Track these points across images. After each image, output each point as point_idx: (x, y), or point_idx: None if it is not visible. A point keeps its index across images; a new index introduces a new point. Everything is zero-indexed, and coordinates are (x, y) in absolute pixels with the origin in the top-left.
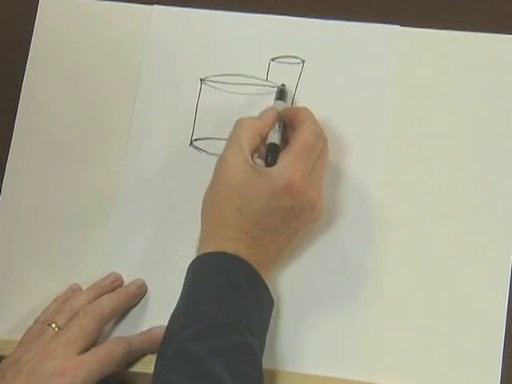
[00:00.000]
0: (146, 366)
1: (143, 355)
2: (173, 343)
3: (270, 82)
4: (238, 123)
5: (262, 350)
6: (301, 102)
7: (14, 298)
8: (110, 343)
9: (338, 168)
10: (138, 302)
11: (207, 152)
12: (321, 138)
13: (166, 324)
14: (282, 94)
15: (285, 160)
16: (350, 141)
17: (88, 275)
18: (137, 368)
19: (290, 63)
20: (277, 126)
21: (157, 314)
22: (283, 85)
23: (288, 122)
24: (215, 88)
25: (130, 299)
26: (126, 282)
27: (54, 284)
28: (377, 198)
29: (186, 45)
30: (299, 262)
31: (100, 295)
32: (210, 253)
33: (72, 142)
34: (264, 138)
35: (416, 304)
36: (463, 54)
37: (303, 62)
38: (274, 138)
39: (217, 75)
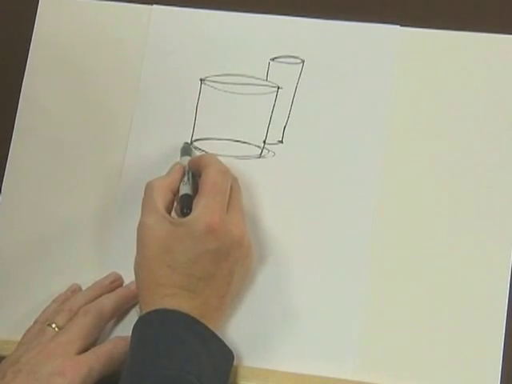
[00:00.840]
0: None
1: None
2: None
3: (269, 81)
4: (148, 186)
5: None
6: (301, 101)
7: (13, 298)
8: (110, 343)
9: (337, 168)
10: (138, 301)
11: (207, 152)
12: (227, 176)
13: None
14: (186, 150)
15: (199, 205)
16: (349, 141)
17: (88, 275)
18: None
19: (289, 63)
20: (185, 178)
21: None
22: (186, 143)
23: (194, 170)
24: (215, 88)
25: (129, 299)
26: (126, 281)
27: (54, 284)
28: (376, 198)
29: (186, 45)
30: (297, 261)
31: (100, 295)
32: (151, 311)
33: (72, 142)
34: (176, 194)
35: (416, 304)
36: (463, 54)
37: (303, 62)
38: (185, 189)
39: (217, 75)
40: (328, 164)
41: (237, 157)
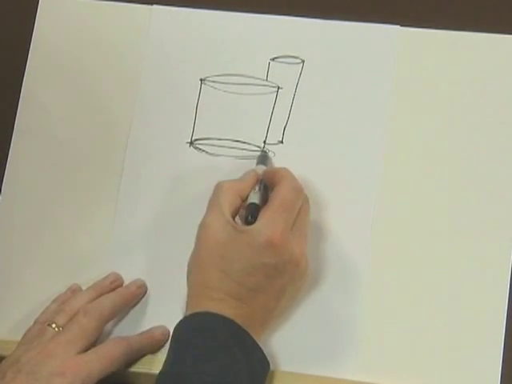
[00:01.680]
0: (146, 365)
1: (143, 355)
2: None
3: (269, 81)
4: (218, 187)
5: None
6: (301, 101)
7: (14, 298)
8: (110, 343)
9: (337, 168)
10: (138, 301)
11: (207, 152)
12: (300, 195)
13: (165, 324)
14: (263, 159)
15: (264, 217)
16: (349, 141)
17: (88, 275)
18: (137, 368)
19: (289, 63)
20: (257, 187)
21: (157, 314)
22: (264, 151)
23: (268, 182)
24: (215, 88)
25: (129, 299)
26: (126, 282)
27: (54, 284)
28: (377, 198)
29: (186, 45)
30: None
31: (100, 295)
32: (195, 314)
33: (72, 142)
34: (244, 200)
35: (416, 304)
36: (463, 53)
37: (303, 61)
38: (254, 198)
39: (217, 75)
40: (328, 164)
41: (237, 157)
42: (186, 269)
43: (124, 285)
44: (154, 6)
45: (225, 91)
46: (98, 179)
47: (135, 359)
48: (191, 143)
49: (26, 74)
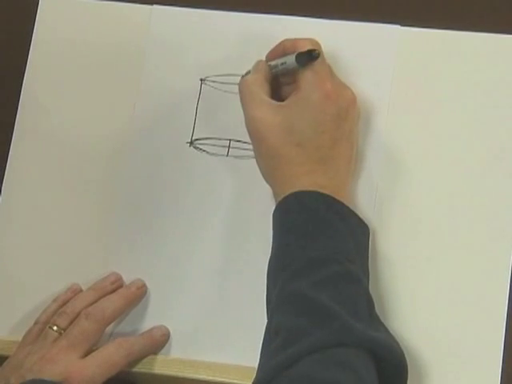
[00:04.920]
0: (146, 365)
1: (144, 356)
2: (275, 288)
3: None
4: (242, 84)
5: (366, 274)
6: None
7: (14, 298)
8: (112, 346)
9: None
10: (138, 302)
11: (207, 152)
12: (319, 45)
13: (165, 324)
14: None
15: (306, 77)
16: None
17: (88, 275)
18: (137, 368)
19: None
20: (279, 61)
21: (157, 314)
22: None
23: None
24: (215, 88)
25: (130, 301)
26: (127, 282)
27: (54, 284)
28: (377, 197)
29: (186, 45)
30: None
31: (101, 296)
32: (289, 195)
33: (72, 141)
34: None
35: (416, 304)
36: (463, 53)
37: None
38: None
39: (217, 75)
40: None
41: (237, 157)
42: (185, 269)
43: (124, 285)
44: (154, 6)
45: (225, 91)
46: (98, 179)
47: (136, 360)
48: (191, 143)
49: (26, 74)
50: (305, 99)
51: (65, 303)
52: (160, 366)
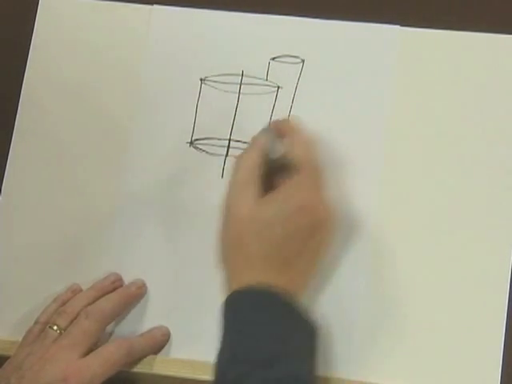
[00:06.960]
0: (147, 366)
1: (144, 356)
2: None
3: (269, 81)
4: (237, 162)
5: (310, 374)
6: (301, 101)
7: (14, 298)
8: (112, 346)
9: (337, 168)
10: (138, 302)
11: (207, 152)
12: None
13: (165, 324)
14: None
15: (290, 182)
16: (350, 141)
17: (88, 275)
18: (137, 368)
19: (289, 63)
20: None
21: (157, 314)
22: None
23: (277, 132)
24: (215, 88)
25: (130, 300)
26: (126, 282)
27: (54, 284)
28: (377, 199)
29: (186, 45)
30: None
31: (100, 296)
32: (242, 289)
33: (72, 141)
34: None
35: (416, 305)
36: (463, 53)
37: (303, 61)
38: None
39: (217, 75)
40: (328, 164)
41: (237, 157)
42: (185, 269)
43: (124, 285)
44: (154, 6)
45: (225, 91)
46: (97, 179)
47: (136, 360)
48: (191, 143)
49: (26, 74)
50: (283, 202)
51: (65, 303)
52: (160, 366)
